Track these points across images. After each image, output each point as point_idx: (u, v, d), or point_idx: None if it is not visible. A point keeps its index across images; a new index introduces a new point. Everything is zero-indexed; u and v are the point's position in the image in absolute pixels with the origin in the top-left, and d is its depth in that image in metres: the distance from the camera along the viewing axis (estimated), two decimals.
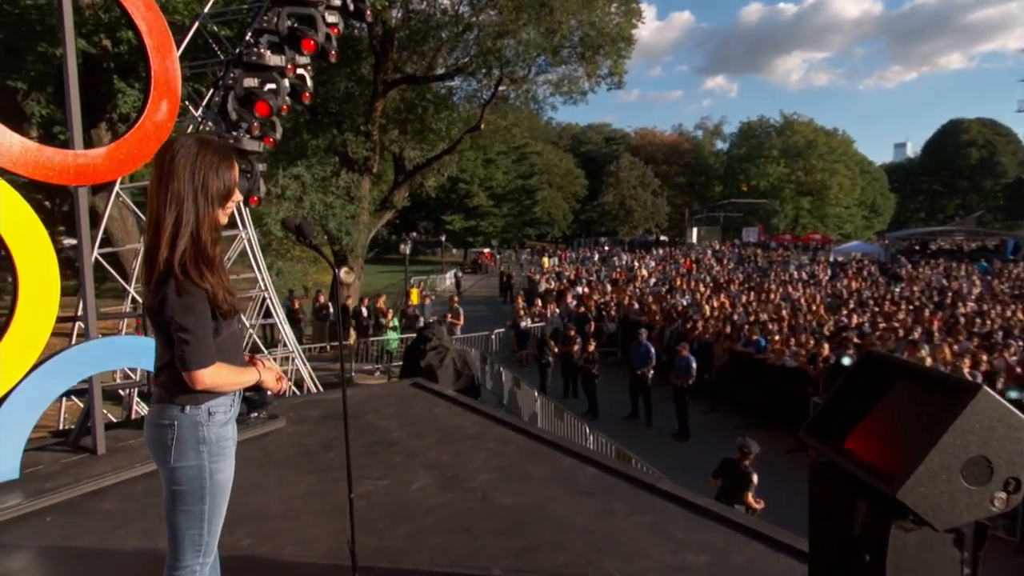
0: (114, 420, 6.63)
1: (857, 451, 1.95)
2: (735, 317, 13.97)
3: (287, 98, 9.63)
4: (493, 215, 49.77)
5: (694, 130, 68.06)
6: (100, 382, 4.21)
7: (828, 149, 55.11)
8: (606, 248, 46.22)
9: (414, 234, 57.61)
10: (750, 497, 6.37)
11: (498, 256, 43.40)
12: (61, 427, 8.42)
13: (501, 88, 20.53)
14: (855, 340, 11.08)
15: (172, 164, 1.94)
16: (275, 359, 10.72)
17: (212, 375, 1.92)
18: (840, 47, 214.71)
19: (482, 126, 20.13)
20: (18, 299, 3.70)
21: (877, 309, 15.05)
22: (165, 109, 4.45)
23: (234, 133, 7.69)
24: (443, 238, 39.82)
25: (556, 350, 13.47)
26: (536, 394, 11.15)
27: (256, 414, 4.88)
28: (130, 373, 8.34)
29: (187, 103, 7.94)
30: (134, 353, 4.43)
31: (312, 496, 3.86)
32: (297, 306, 17.20)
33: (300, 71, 9.84)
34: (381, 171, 20.25)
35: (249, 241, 9.16)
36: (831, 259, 31.27)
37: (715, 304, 15.73)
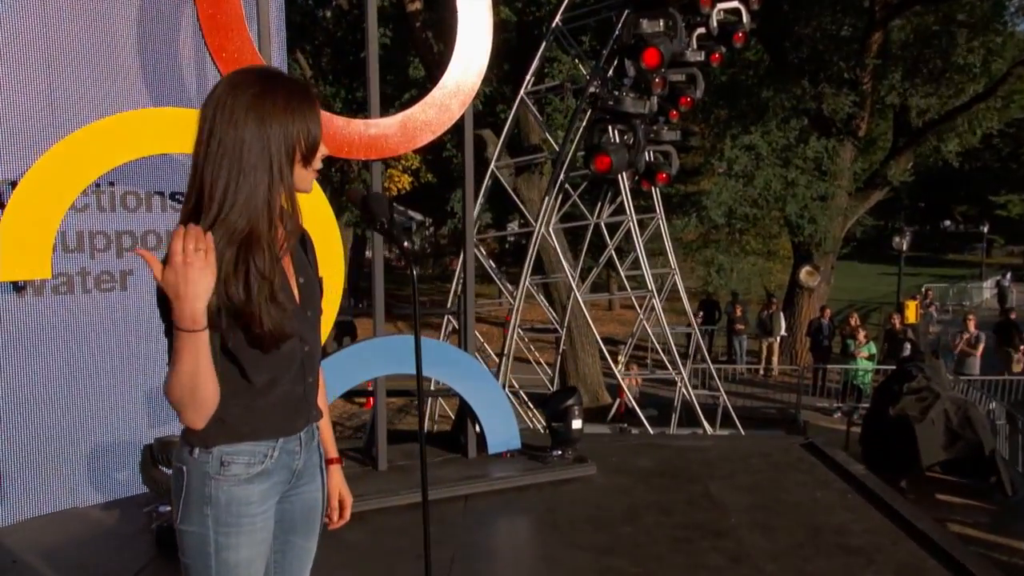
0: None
1: None
2: None
3: (719, 45, 9.36)
4: None
5: None
6: (386, 386, 4.62)
7: None
8: None
9: (947, 223, 50.70)
10: None
11: None
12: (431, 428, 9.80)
13: None
14: None
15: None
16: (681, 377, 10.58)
17: (168, 382, 1.57)
18: None
19: None
20: None
21: None
22: (472, 67, 4.60)
23: (615, 92, 7.75)
24: (985, 228, 33.78)
25: None
26: None
27: (559, 452, 4.70)
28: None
29: (576, 59, 8.34)
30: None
31: None
32: (739, 314, 16.84)
33: (733, 4, 9.44)
34: (873, 134, 18.19)
35: (644, 228, 9.20)
36: None
37: None
